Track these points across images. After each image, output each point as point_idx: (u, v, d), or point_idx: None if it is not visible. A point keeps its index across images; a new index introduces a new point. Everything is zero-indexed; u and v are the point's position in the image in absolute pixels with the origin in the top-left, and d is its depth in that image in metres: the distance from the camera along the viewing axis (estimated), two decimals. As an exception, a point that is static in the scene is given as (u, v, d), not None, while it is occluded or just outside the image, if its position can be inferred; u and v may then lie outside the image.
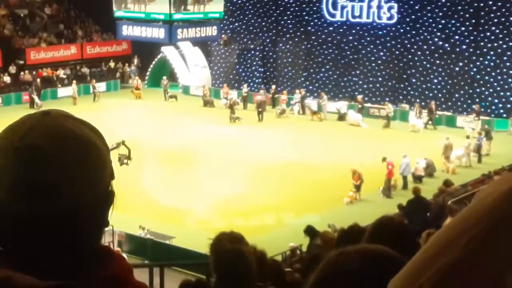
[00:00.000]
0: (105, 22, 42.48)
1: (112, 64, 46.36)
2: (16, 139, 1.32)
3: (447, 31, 37.56)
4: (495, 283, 0.51)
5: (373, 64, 40.01)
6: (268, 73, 43.50)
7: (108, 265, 1.40)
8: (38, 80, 41.40)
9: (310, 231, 11.04)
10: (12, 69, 42.00)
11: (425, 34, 38.22)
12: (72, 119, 1.41)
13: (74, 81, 42.12)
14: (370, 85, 39.86)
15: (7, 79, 41.40)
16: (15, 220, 1.32)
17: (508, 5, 35.88)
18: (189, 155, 29.46)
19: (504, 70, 36.51)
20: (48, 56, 44.15)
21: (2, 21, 45.07)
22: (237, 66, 44.35)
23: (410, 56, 38.80)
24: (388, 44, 39.43)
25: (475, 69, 37.14)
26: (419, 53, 38.55)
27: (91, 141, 1.39)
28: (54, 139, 1.34)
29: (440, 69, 38.01)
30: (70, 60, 45.01)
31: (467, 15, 36.98)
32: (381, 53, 39.74)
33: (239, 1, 43.30)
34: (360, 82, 40.20)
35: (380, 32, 39.56)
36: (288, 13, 42.56)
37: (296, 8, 42.23)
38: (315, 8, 41.46)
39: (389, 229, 3.20)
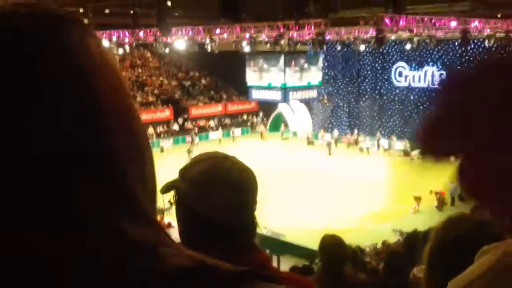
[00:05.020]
0: (241, 89, 43.23)
1: (245, 116, 47.11)
2: (226, 180, 1.41)
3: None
4: None
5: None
6: (352, 122, 43.00)
7: (254, 255, 1.46)
8: (196, 128, 42.69)
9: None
10: (179, 121, 43.39)
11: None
12: (234, 161, 1.51)
13: (220, 128, 43.28)
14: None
15: (176, 127, 42.81)
16: (218, 229, 1.38)
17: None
18: (296, 176, 29.38)
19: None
20: (203, 112, 45.40)
21: (174, 89, 46.77)
22: (330, 118, 44.17)
23: (455, 110, 37.45)
24: (439, 101, 38.21)
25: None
26: (461, 107, 37.18)
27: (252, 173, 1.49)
28: (236, 175, 1.43)
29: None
30: (217, 115, 46.02)
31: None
32: (434, 108, 38.54)
33: (332, 73, 43.26)
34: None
35: (433, 93, 38.39)
36: (367, 80, 42.06)
37: (372, 77, 41.74)
38: (386, 77, 40.83)
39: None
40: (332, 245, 4.21)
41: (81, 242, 0.49)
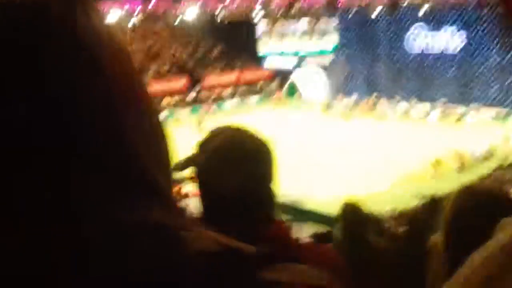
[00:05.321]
0: (255, 57, 43.02)
1: (260, 85, 46.96)
2: (241, 154, 1.40)
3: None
4: None
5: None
6: (369, 87, 42.34)
7: (272, 228, 1.42)
8: (212, 98, 42.73)
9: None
10: (195, 90, 43.32)
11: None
12: (250, 134, 1.47)
13: (235, 97, 43.46)
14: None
15: (191, 97, 42.58)
16: (235, 204, 1.36)
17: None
18: (314, 143, 29.04)
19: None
20: (217, 81, 45.12)
21: (187, 59, 46.61)
22: (346, 83, 43.63)
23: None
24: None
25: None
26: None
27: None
28: (252, 149, 1.42)
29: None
30: (232, 84, 45.61)
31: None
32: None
33: (347, 39, 42.76)
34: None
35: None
36: (381, 45, 41.55)
37: (387, 42, 41.14)
38: (401, 41, 40.26)
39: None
40: (352, 212, 4.22)
41: (78, 234, 0.48)
